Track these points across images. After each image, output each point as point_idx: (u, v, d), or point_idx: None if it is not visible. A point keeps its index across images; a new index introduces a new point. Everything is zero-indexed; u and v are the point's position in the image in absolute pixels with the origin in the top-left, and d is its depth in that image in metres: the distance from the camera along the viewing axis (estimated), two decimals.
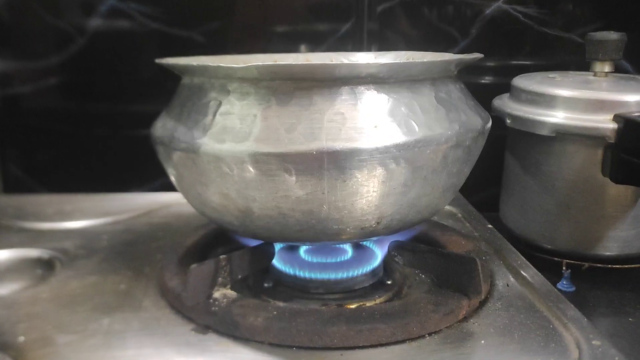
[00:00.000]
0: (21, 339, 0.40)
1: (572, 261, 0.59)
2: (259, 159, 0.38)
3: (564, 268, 0.58)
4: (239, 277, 0.45)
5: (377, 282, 0.49)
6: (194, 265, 0.41)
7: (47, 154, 0.77)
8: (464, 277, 0.43)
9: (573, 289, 0.57)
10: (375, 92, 0.39)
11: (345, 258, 0.50)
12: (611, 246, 0.58)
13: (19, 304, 0.45)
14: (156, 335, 0.40)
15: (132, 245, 0.57)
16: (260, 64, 0.37)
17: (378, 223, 0.41)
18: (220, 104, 0.40)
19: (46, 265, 0.53)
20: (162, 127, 0.44)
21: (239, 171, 0.39)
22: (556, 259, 0.59)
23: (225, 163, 0.39)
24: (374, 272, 0.49)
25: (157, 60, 0.44)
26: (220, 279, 0.43)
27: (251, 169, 0.38)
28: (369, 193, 0.39)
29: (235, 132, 0.39)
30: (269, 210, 0.40)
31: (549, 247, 0.60)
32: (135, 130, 0.75)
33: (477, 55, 0.44)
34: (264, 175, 0.38)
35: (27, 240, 0.58)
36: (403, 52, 0.59)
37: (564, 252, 0.59)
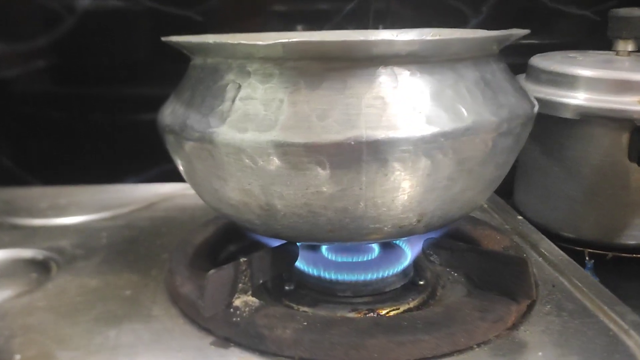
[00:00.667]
0: (17, 357, 0.35)
1: (596, 250, 0.56)
2: (288, 151, 0.33)
3: (587, 258, 0.55)
4: (260, 281, 0.40)
5: (409, 282, 0.45)
6: (212, 271, 0.36)
7: (38, 142, 0.72)
8: (512, 279, 0.39)
9: (596, 280, 0.53)
10: (418, 73, 0.34)
11: (373, 257, 0.46)
12: (637, 235, 0.55)
13: (12, 314, 0.40)
14: (171, 350, 0.36)
15: (134, 243, 0.52)
16: (287, 40, 0.32)
17: (419, 221, 0.37)
18: (239, 88, 0.35)
19: (41, 268, 0.48)
20: (172, 113, 0.39)
21: (263, 164, 0.34)
22: (578, 248, 0.56)
23: (247, 155, 0.34)
24: (404, 271, 0.45)
25: (164, 39, 0.39)
26: (240, 284, 0.38)
27: (278, 161, 0.33)
28: (411, 188, 0.35)
29: (258, 120, 0.34)
30: (297, 208, 0.35)
31: (571, 235, 0.57)
32: (130, 115, 0.71)
33: (524, 31, 0.39)
34: (293, 169, 0.34)
35: (19, 238, 0.53)
36: (428, 30, 0.54)
37: (587, 241, 0.56)
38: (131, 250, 0.50)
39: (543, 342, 0.36)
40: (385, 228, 0.37)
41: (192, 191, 0.63)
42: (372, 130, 0.33)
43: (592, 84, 0.53)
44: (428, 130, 0.33)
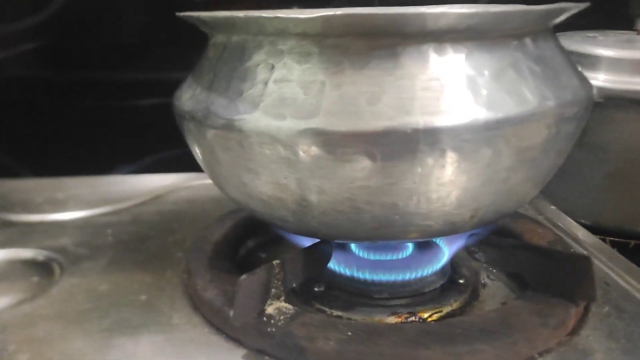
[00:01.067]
0: None
1: (617, 239, 0.53)
2: (332, 140, 0.29)
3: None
4: (293, 285, 0.36)
5: (447, 281, 0.41)
6: (243, 277, 0.32)
7: (26, 129, 0.67)
8: (571, 279, 0.35)
9: None
10: (476, 50, 0.30)
11: (408, 254, 0.42)
12: None
13: (14, 325, 0.36)
14: None
15: (144, 241, 0.47)
16: (331, 13, 0.28)
17: (472, 217, 0.33)
18: (272, 68, 0.31)
19: (42, 270, 0.43)
20: (192, 98, 0.34)
21: (304, 156, 0.30)
22: (598, 236, 0.52)
23: (284, 145, 0.30)
24: (443, 269, 0.41)
25: (183, 14, 0.35)
26: (273, 290, 0.34)
27: (320, 152, 0.29)
28: (469, 181, 0.31)
29: (297, 105, 0.30)
30: (339, 204, 0.31)
31: (591, 223, 0.54)
32: (123, 100, 0.67)
33: (583, 5, 0.35)
34: (338, 161, 0.29)
35: (16, 237, 0.48)
36: (458, 5, 0.49)
37: (608, 228, 0.54)
38: (141, 248, 0.46)
39: (610, 349, 0.33)
40: (436, 225, 0.33)
41: (198, 182, 0.59)
42: (429, 117, 0.29)
43: (614, 65, 0.51)
44: (491, 115, 0.29)
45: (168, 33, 0.66)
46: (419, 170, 0.29)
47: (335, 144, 0.29)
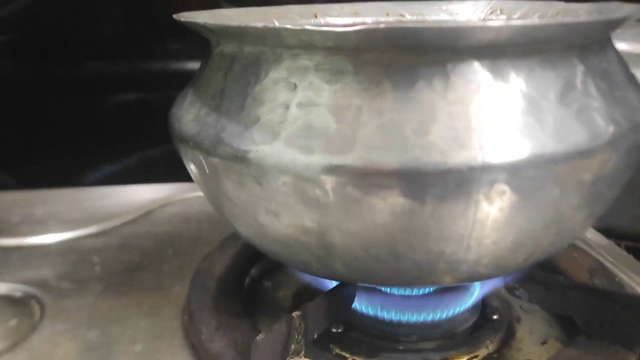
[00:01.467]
0: None
1: (632, 243, 0.50)
2: (372, 180, 0.24)
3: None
4: (315, 336, 0.31)
5: (479, 317, 0.37)
6: (260, 337, 0.27)
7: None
8: (630, 324, 0.31)
9: None
10: (538, 67, 0.25)
11: (434, 288, 0.37)
12: None
13: None
14: None
15: (136, 271, 0.42)
16: (372, 26, 0.23)
17: (526, 259, 0.28)
18: (295, 88, 0.26)
19: (20, 309, 0.38)
20: (196, 120, 0.29)
21: (336, 197, 0.25)
22: (613, 240, 0.49)
23: (312, 184, 0.25)
24: (475, 305, 0.37)
25: (185, 20, 0.29)
26: (293, 345, 0.29)
27: (357, 194, 0.24)
28: (529, 222, 0.26)
29: (328, 136, 0.24)
30: (376, 249, 0.26)
31: (603, 226, 0.50)
32: (104, 96, 0.62)
33: None
34: (378, 204, 0.25)
35: None
36: (484, 2, 0.44)
37: (622, 232, 0.50)
38: (133, 281, 0.41)
39: None
40: (485, 271, 0.28)
41: (193, 194, 0.54)
42: (489, 151, 0.24)
43: (632, 60, 0.46)
44: (559, 147, 0.25)
45: (146, 24, 0.61)
46: (474, 214, 0.25)
47: (375, 184, 0.24)
